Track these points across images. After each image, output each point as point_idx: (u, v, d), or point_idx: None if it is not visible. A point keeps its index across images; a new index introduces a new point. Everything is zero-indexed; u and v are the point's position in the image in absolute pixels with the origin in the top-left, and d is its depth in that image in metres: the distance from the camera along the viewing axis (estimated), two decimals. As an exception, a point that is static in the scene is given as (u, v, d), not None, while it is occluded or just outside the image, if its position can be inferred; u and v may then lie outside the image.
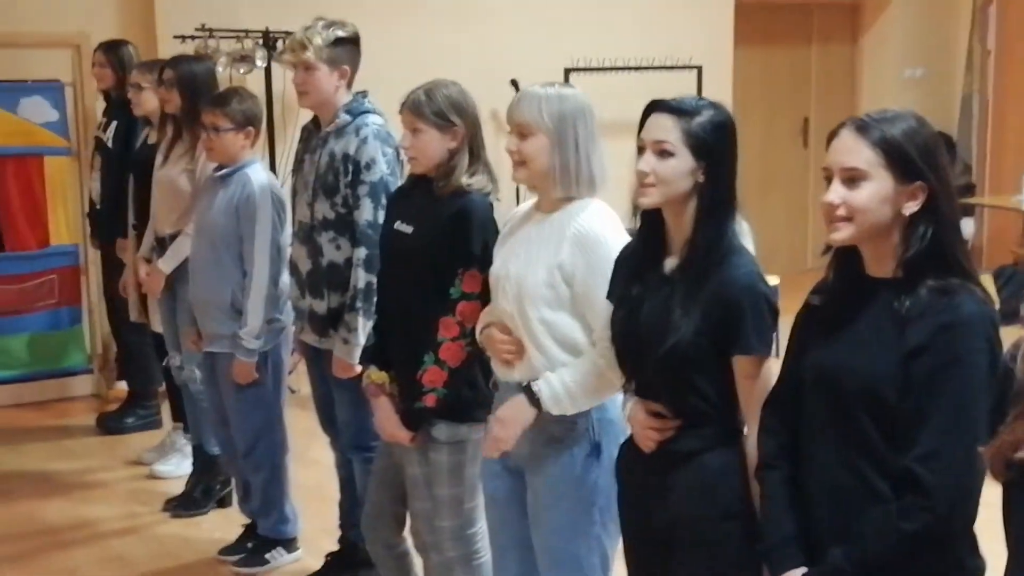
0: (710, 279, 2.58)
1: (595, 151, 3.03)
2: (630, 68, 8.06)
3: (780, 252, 8.97)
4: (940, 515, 2.17)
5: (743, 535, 2.54)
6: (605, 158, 3.06)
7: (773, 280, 5.95)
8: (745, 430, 2.62)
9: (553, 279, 2.97)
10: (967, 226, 9.80)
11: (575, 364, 2.97)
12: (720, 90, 8.25)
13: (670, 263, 2.69)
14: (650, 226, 2.72)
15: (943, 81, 10.13)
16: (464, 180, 3.35)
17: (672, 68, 8.18)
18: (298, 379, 5.69)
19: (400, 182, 3.78)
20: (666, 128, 2.61)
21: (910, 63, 9.97)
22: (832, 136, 2.30)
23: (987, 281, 5.74)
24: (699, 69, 8.33)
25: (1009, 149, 9.48)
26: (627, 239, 2.92)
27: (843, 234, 2.27)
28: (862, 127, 2.25)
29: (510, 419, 3.02)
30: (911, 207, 2.24)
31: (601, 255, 2.92)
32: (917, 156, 2.23)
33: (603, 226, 2.99)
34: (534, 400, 2.98)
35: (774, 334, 2.64)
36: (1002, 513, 1.97)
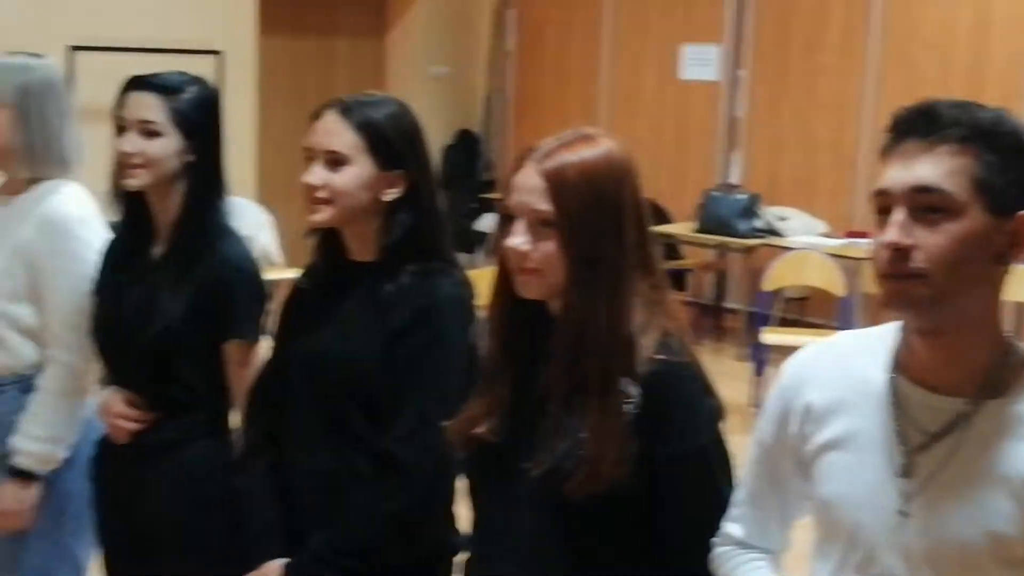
0: (200, 262, 2.45)
1: (67, 129, 2.74)
2: (146, 50, 7.52)
3: (305, 242, 8.71)
4: (419, 494, 2.17)
5: (228, 527, 2.41)
6: (82, 138, 2.77)
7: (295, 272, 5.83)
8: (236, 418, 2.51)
9: (12, 267, 2.65)
10: (488, 220, 9.97)
11: (38, 401, 2.65)
12: (244, 78, 7.90)
13: (157, 248, 2.53)
14: (133, 212, 2.55)
15: (466, 80, 10.27)
16: None
17: (191, 52, 7.70)
18: None
19: None
20: (151, 107, 2.44)
21: (435, 61, 10.02)
22: (316, 117, 2.21)
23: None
24: (219, 54, 7.89)
25: (529, 148, 9.78)
26: (103, 225, 2.71)
27: (323, 216, 2.22)
28: (346, 110, 2.19)
29: (13, 511, 2.66)
30: (391, 194, 2.22)
31: (71, 241, 2.66)
32: (399, 142, 2.22)
33: (75, 210, 2.72)
34: (26, 476, 2.65)
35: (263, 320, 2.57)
36: (468, 486, 2.00)
